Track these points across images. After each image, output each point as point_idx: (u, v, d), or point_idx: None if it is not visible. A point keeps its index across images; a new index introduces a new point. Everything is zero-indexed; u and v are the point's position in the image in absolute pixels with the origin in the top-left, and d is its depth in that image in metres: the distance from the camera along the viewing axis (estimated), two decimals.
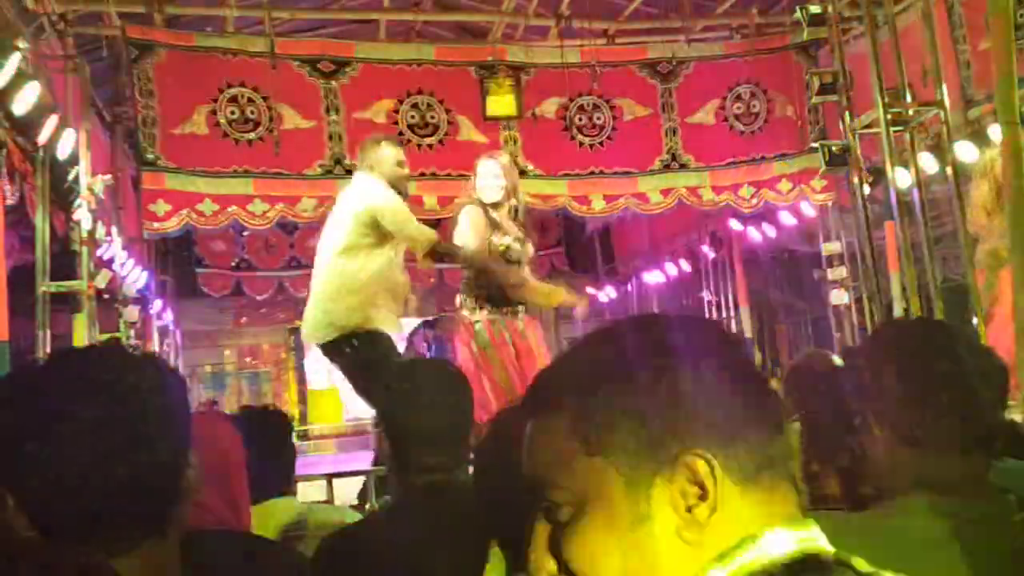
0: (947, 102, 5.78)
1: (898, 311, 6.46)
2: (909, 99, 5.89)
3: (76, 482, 1.02)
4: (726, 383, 0.86)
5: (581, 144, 7.77)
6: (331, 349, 4.83)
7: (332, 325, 4.76)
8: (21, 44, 5.15)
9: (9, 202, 5.61)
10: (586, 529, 0.84)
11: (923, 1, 5.99)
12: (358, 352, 4.72)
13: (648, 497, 0.82)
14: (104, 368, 1.10)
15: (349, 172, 7.10)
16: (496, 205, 5.06)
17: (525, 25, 8.12)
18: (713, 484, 0.81)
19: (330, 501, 5.04)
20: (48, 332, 6.17)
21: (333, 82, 7.29)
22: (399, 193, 4.88)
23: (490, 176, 5.09)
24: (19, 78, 5.09)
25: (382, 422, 2.10)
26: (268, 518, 2.51)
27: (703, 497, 0.81)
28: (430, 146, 7.45)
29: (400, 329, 5.09)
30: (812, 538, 0.83)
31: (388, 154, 4.97)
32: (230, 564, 1.77)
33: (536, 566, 0.88)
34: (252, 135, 7.00)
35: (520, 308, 5.07)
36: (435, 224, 12.34)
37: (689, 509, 0.81)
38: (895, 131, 5.92)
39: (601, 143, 7.79)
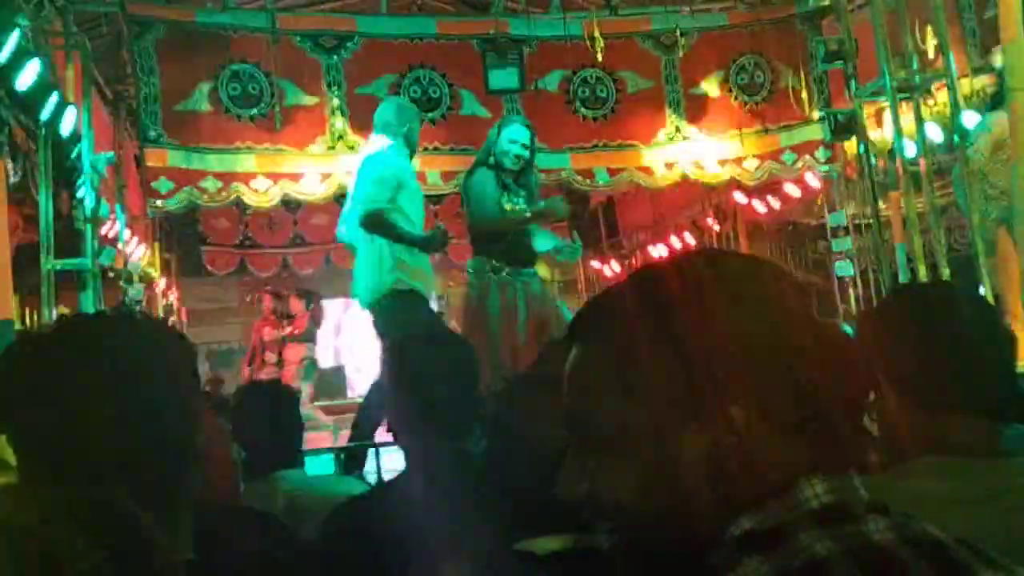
0: (954, 70, 5.74)
1: (904, 281, 6.45)
2: (915, 67, 5.86)
3: (82, 450, 1.02)
4: (778, 329, 0.83)
5: (584, 117, 7.73)
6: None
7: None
8: (21, 21, 5.13)
9: (12, 180, 5.60)
10: (616, 466, 0.84)
11: None
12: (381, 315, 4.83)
13: (681, 442, 0.81)
14: (112, 335, 1.10)
15: (352, 148, 7.11)
16: (507, 171, 5.09)
17: None
18: (749, 436, 0.80)
19: (338, 475, 5.06)
20: (53, 310, 6.18)
21: (335, 57, 7.25)
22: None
23: (519, 145, 5.09)
24: (20, 55, 5.07)
25: (390, 392, 2.10)
26: (275, 490, 2.52)
27: (737, 448, 0.80)
28: (432, 120, 7.41)
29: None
30: (849, 487, 0.82)
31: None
32: (236, 537, 1.77)
33: (567, 490, 0.88)
34: (254, 111, 6.97)
35: (534, 272, 5.07)
36: (438, 199, 12.40)
37: (722, 458, 0.80)
38: (901, 99, 5.89)
39: (604, 116, 7.75)
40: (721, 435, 0.80)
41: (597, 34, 7.55)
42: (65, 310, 6.44)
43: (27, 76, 5.22)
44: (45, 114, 5.74)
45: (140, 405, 1.05)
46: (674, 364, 0.82)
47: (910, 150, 6.03)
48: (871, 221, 6.84)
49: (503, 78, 7.49)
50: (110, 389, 1.04)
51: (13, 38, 4.92)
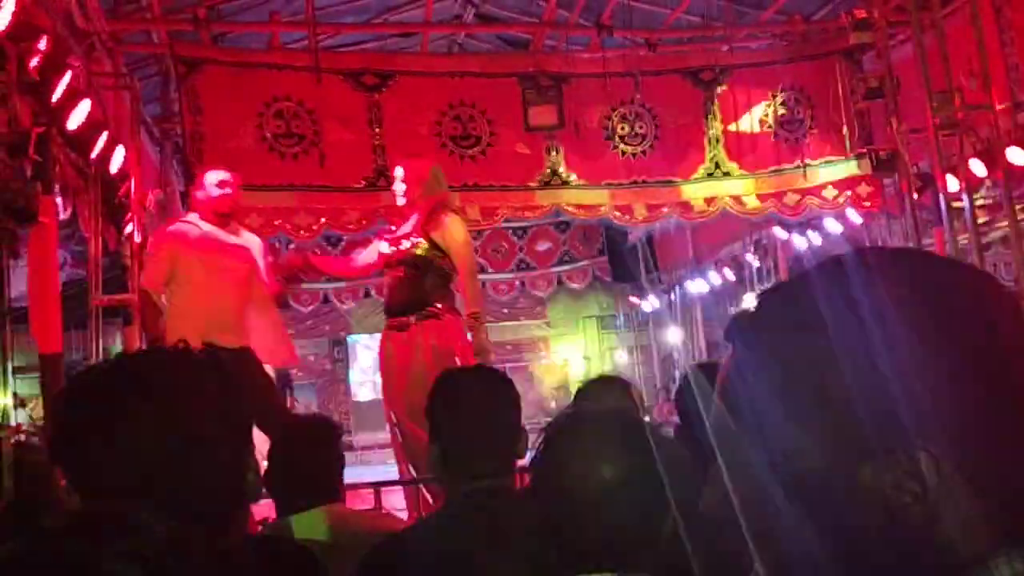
0: (996, 105, 5.70)
1: None
2: (957, 103, 5.82)
3: (136, 482, 1.04)
4: (987, 354, 0.67)
5: (623, 153, 7.75)
6: None
7: None
8: (73, 62, 5.26)
9: (62, 217, 5.71)
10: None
11: (970, 4, 5.92)
12: None
13: (848, 482, 0.67)
14: (166, 370, 1.13)
15: (392, 184, 7.20)
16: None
17: (566, 35, 8.14)
18: (936, 488, 0.65)
19: (378, 510, 5.06)
20: (101, 344, 6.28)
21: (376, 95, 7.35)
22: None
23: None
24: (72, 95, 5.19)
25: (429, 429, 2.11)
26: (316, 525, 2.53)
27: (919, 502, 0.65)
28: (472, 157, 7.48)
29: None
30: None
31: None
32: (271, 568, 1.79)
33: (709, 504, 0.80)
34: (297, 149, 7.08)
35: (408, 319, 4.94)
36: (477, 235, 12.42)
37: (899, 512, 0.66)
38: (944, 135, 5.85)
39: (643, 152, 7.77)
40: (901, 481, 0.66)
41: (636, 71, 7.59)
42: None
43: (78, 115, 5.34)
44: (95, 152, 5.86)
45: (192, 440, 1.07)
46: (848, 386, 0.67)
47: (953, 185, 5.98)
48: None
49: (542, 115, 7.53)
50: (164, 425, 1.06)
51: (65, 78, 5.04)
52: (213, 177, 4.93)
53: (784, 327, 0.73)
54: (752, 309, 0.77)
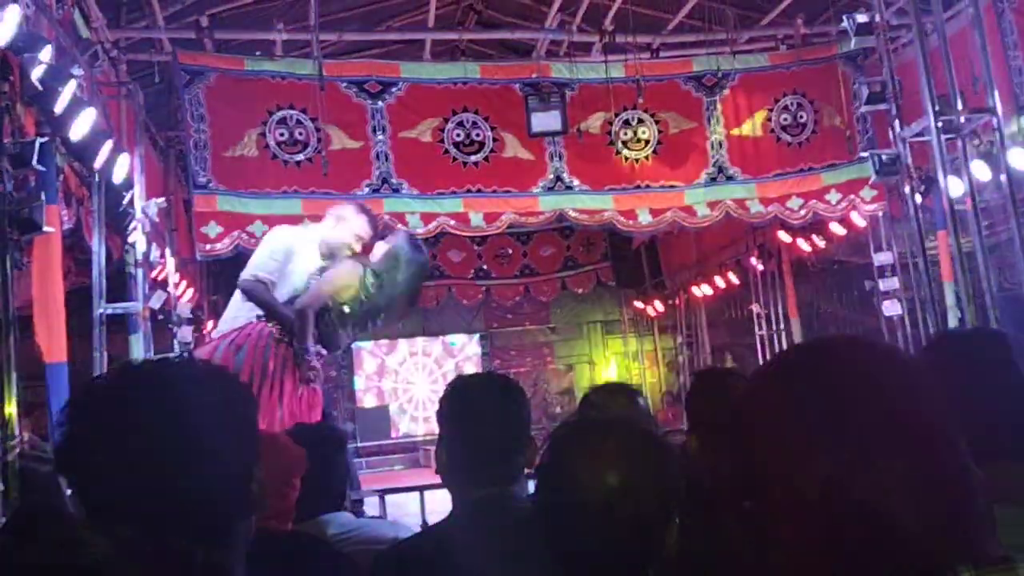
0: (999, 109, 5.69)
1: (952, 321, 6.36)
2: (960, 106, 5.81)
3: (144, 492, 1.04)
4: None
5: (627, 158, 7.75)
6: None
7: None
8: (76, 72, 5.27)
9: (66, 226, 5.72)
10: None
11: (973, 7, 5.91)
12: None
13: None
14: (174, 381, 1.13)
15: (396, 191, 7.21)
16: None
17: (569, 41, 8.14)
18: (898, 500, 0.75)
19: (383, 517, 5.06)
20: (105, 353, 6.29)
21: (380, 102, 7.37)
22: None
23: None
24: (75, 105, 5.21)
25: (438, 436, 2.11)
26: (323, 532, 2.53)
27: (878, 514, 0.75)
28: (476, 163, 7.49)
29: None
30: None
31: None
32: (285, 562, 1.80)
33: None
34: (301, 156, 7.09)
35: None
36: (482, 240, 12.35)
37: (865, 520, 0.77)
38: (946, 139, 5.84)
39: (647, 157, 7.78)
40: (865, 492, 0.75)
41: (639, 76, 7.60)
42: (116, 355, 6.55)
43: (82, 125, 5.35)
44: (99, 161, 5.87)
45: (199, 451, 1.07)
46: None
47: (956, 189, 5.97)
48: (919, 260, 6.76)
49: (545, 121, 7.54)
50: (172, 434, 1.06)
51: (69, 89, 5.05)
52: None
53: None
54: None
